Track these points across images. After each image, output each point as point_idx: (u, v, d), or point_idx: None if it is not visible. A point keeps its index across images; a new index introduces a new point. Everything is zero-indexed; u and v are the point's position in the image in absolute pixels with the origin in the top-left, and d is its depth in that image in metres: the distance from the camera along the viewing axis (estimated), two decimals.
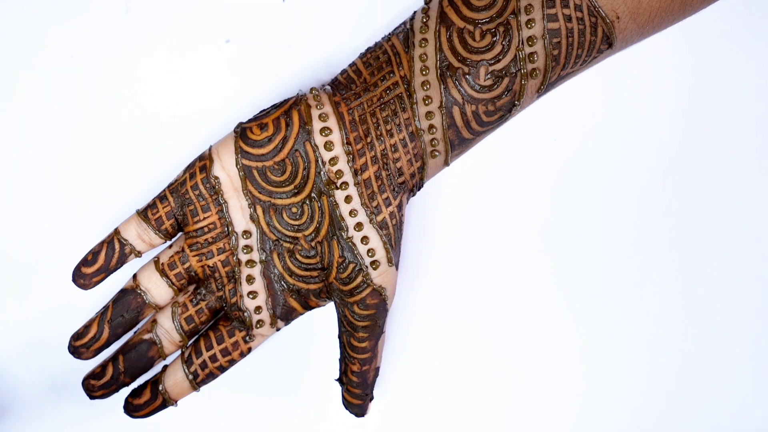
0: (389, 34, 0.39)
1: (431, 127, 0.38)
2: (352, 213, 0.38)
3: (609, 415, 0.47)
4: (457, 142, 0.39)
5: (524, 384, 0.47)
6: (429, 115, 0.37)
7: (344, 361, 0.41)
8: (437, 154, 0.39)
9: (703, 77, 0.44)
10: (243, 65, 0.43)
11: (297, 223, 0.39)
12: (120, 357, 0.40)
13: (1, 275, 0.45)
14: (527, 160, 0.45)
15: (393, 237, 0.39)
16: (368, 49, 0.40)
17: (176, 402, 0.41)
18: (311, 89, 0.38)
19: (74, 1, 0.42)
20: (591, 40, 0.37)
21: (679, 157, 0.45)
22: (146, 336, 0.40)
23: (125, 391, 0.42)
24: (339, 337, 0.41)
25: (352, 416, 0.45)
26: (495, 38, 0.37)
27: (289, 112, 0.38)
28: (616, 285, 0.46)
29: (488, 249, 0.46)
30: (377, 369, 0.41)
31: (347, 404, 0.42)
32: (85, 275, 0.39)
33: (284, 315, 0.40)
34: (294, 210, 0.39)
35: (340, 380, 0.42)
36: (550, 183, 0.45)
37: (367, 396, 0.41)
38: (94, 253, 0.39)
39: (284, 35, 0.42)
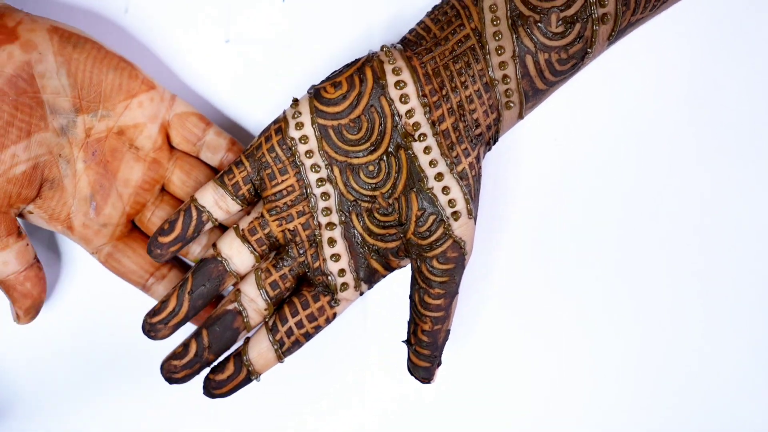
0: None
1: (505, 77, 0.37)
2: (432, 163, 0.37)
3: (616, 416, 0.46)
4: (531, 93, 0.38)
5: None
6: (502, 65, 0.37)
7: (414, 321, 0.40)
8: (512, 105, 0.38)
9: (706, 78, 0.43)
10: (243, 65, 0.43)
11: (374, 181, 0.38)
12: (203, 331, 0.39)
13: None
14: (527, 160, 0.44)
15: (473, 188, 0.38)
16: (435, 6, 0.40)
17: (260, 376, 0.39)
18: (382, 46, 0.38)
19: (74, 1, 0.42)
20: None
21: (682, 157, 0.44)
22: (230, 306, 0.39)
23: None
24: (410, 296, 0.40)
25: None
26: None
27: (362, 69, 0.38)
28: (616, 287, 0.45)
29: (485, 252, 0.45)
30: (448, 331, 0.40)
31: (413, 368, 0.40)
32: (162, 245, 0.39)
33: (367, 277, 0.40)
34: (371, 168, 0.38)
35: (408, 341, 0.40)
36: (550, 183, 0.44)
37: (436, 359, 0.40)
38: (170, 222, 0.39)
39: (284, 35, 0.42)
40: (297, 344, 0.40)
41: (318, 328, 0.40)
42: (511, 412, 0.46)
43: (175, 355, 0.39)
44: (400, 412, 0.46)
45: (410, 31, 0.39)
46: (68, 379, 0.45)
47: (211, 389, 0.39)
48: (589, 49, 0.38)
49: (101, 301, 0.44)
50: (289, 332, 0.39)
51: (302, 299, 0.40)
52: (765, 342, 0.45)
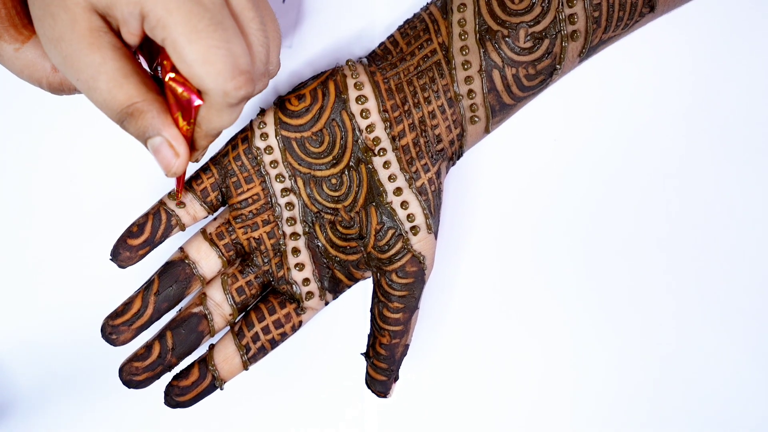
0: (427, 3, 0.39)
1: (470, 92, 0.37)
2: (391, 178, 0.37)
3: (612, 416, 0.46)
4: (498, 108, 0.38)
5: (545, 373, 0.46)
6: (468, 80, 0.37)
7: (373, 334, 0.40)
8: (477, 120, 0.38)
9: (705, 77, 0.43)
10: None
11: (336, 194, 0.38)
12: (168, 333, 0.39)
13: (1, 274, 0.44)
14: (527, 160, 0.44)
15: (432, 204, 0.38)
16: (406, 20, 0.39)
17: (224, 384, 0.40)
18: (347, 61, 0.38)
19: None
20: (632, 2, 0.37)
21: (681, 156, 0.43)
22: (196, 309, 0.39)
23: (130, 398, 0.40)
24: (371, 309, 0.40)
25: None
26: (534, 0, 0.36)
27: (326, 83, 0.38)
28: (618, 286, 0.44)
29: (486, 250, 0.44)
30: (406, 346, 0.40)
31: (370, 381, 0.40)
32: (131, 247, 0.38)
33: (332, 287, 0.40)
34: (333, 181, 0.38)
35: (366, 354, 0.40)
36: (550, 183, 0.44)
37: (393, 373, 0.40)
38: (139, 225, 0.39)
39: (284, 35, 0.42)
40: (262, 351, 0.40)
41: (284, 335, 0.40)
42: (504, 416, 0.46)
43: (136, 357, 0.38)
44: (401, 411, 0.46)
45: (379, 45, 0.39)
46: (68, 379, 0.45)
47: (174, 396, 0.39)
48: (558, 66, 0.37)
49: (102, 302, 0.43)
50: (256, 337, 0.40)
51: (269, 305, 0.40)
52: (763, 340, 0.45)
